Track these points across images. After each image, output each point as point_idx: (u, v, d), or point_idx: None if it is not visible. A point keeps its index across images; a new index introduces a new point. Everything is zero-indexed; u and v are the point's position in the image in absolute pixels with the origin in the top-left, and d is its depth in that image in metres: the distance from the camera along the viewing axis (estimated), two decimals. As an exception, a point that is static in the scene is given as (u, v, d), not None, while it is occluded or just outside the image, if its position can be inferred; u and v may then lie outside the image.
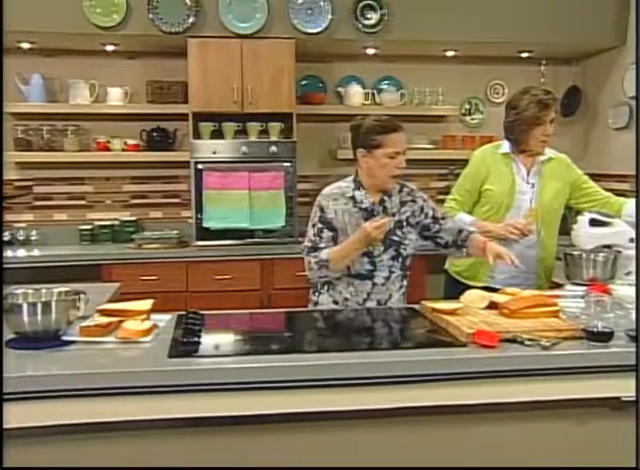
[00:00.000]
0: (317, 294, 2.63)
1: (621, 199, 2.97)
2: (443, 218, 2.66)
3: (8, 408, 1.59)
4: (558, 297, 2.42)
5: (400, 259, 2.58)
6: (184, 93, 4.11)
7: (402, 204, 2.61)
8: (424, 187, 4.25)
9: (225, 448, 1.75)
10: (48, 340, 1.85)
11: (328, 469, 1.78)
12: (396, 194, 2.62)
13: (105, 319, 1.99)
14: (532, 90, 2.88)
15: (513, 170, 2.92)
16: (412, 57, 4.54)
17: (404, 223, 2.60)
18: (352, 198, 2.58)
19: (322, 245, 2.54)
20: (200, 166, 3.92)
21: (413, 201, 2.63)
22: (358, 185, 2.60)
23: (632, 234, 2.78)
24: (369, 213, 2.56)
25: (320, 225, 2.58)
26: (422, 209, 2.63)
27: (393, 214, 2.58)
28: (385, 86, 4.57)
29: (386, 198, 2.59)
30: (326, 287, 2.59)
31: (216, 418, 1.70)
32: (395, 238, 2.58)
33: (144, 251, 3.93)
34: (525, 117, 2.82)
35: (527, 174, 2.92)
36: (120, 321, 1.97)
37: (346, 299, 2.56)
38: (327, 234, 2.56)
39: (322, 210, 2.59)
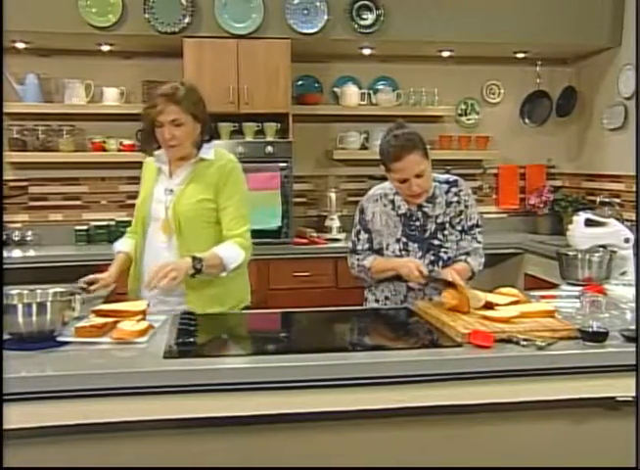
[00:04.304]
0: (367, 290, 2.68)
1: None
2: (466, 233, 2.56)
3: (4, 409, 1.59)
4: (554, 297, 2.43)
5: (441, 264, 2.52)
6: (180, 93, 4.10)
7: (448, 204, 2.54)
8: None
9: (222, 449, 1.74)
10: (43, 341, 1.85)
11: (325, 469, 1.79)
12: (443, 195, 2.54)
13: (100, 320, 1.99)
14: None
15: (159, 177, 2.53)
16: (408, 57, 4.54)
17: (447, 225, 2.54)
18: (392, 201, 2.56)
19: (359, 247, 2.60)
20: (196, 167, 3.90)
21: (458, 202, 2.55)
22: (397, 190, 2.55)
23: (627, 234, 2.79)
24: (407, 219, 2.54)
25: (359, 227, 2.62)
26: (459, 213, 2.55)
27: (436, 217, 2.53)
28: (381, 86, 4.57)
29: (426, 203, 2.52)
30: (373, 281, 2.62)
31: (212, 419, 1.69)
32: (435, 242, 2.53)
33: (140, 251, 3.91)
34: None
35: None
36: (116, 322, 1.97)
37: (387, 298, 2.58)
38: (363, 236, 2.60)
39: (362, 211, 2.61)
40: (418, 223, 2.53)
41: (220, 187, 2.45)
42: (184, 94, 2.39)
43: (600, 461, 1.86)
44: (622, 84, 4.19)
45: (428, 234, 2.53)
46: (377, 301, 2.62)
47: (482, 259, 2.60)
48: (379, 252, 2.59)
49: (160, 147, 2.47)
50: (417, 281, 2.40)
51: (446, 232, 2.54)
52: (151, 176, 2.55)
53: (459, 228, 2.56)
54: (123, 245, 2.62)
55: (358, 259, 2.60)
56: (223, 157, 2.54)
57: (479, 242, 2.59)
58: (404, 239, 2.54)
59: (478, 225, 2.59)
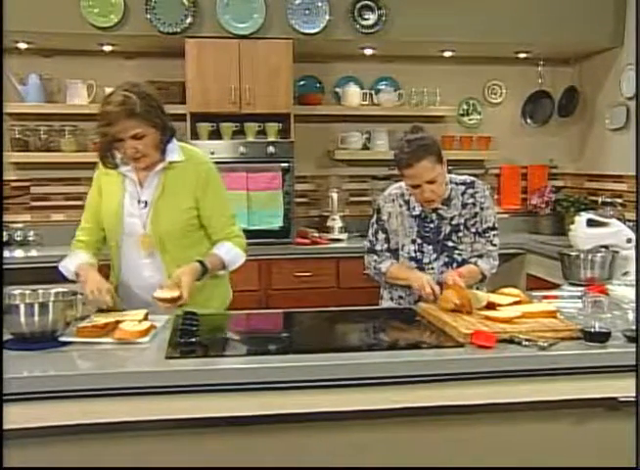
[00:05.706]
0: (383, 288, 2.68)
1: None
2: (480, 235, 2.54)
3: (4, 409, 1.59)
4: (556, 297, 2.42)
5: (455, 266, 2.50)
6: (182, 94, 4.10)
7: (464, 206, 2.52)
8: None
9: (223, 449, 1.74)
10: (45, 341, 1.85)
11: (327, 469, 1.78)
12: (458, 196, 2.52)
13: (102, 320, 1.99)
14: None
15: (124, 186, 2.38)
16: (410, 57, 4.54)
17: (462, 227, 2.52)
18: (407, 202, 2.55)
19: (378, 247, 2.61)
20: (197, 167, 3.90)
21: (474, 204, 2.52)
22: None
23: (629, 234, 2.78)
24: (422, 220, 2.53)
25: (376, 227, 2.62)
26: (475, 215, 2.53)
27: (451, 219, 2.52)
28: (382, 87, 4.57)
29: (441, 205, 2.50)
30: (387, 284, 2.63)
31: (214, 419, 1.69)
32: (450, 243, 2.52)
33: (141, 251, 3.91)
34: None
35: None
36: (118, 322, 1.97)
37: (401, 297, 2.59)
38: (381, 236, 2.60)
39: (378, 211, 2.62)
40: (432, 225, 2.52)
41: (200, 195, 2.31)
42: (139, 104, 2.16)
43: (601, 461, 1.86)
44: (625, 84, 4.18)
45: (442, 236, 2.52)
46: (392, 299, 2.63)
47: (496, 263, 2.57)
48: (396, 251, 2.59)
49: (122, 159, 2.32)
50: (427, 297, 2.33)
51: (461, 234, 2.53)
52: (114, 186, 2.37)
53: (473, 230, 2.54)
54: (79, 259, 2.35)
55: (376, 261, 2.59)
56: (194, 157, 2.36)
57: (493, 245, 2.56)
58: (419, 240, 2.54)
59: (493, 228, 2.56)
